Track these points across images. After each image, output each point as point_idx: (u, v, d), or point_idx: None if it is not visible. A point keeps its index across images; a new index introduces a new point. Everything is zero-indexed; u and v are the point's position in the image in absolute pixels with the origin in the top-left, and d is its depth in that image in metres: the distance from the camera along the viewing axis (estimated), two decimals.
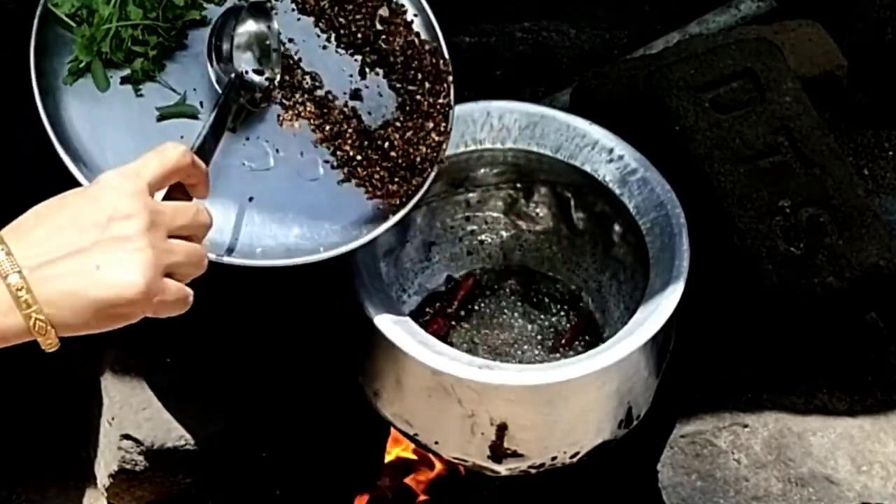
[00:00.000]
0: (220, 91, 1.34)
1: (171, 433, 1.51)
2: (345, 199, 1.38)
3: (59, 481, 1.77)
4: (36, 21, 1.31)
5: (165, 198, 1.08)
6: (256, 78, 1.37)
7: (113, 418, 1.52)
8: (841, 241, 1.51)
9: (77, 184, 1.26)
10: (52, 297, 0.93)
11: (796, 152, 1.57)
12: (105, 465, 1.57)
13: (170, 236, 1.01)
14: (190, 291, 1.02)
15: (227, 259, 1.29)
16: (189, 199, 1.10)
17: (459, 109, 1.49)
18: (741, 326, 1.55)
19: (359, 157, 1.39)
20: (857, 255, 1.50)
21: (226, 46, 1.36)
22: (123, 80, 1.34)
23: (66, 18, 1.31)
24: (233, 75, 1.34)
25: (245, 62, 1.37)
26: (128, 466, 1.52)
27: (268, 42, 1.38)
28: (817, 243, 1.51)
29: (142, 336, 1.57)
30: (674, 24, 2.11)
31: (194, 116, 1.36)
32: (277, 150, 1.37)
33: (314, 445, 1.62)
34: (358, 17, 1.46)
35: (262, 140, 1.37)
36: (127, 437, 1.51)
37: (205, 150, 1.22)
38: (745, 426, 1.48)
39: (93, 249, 0.94)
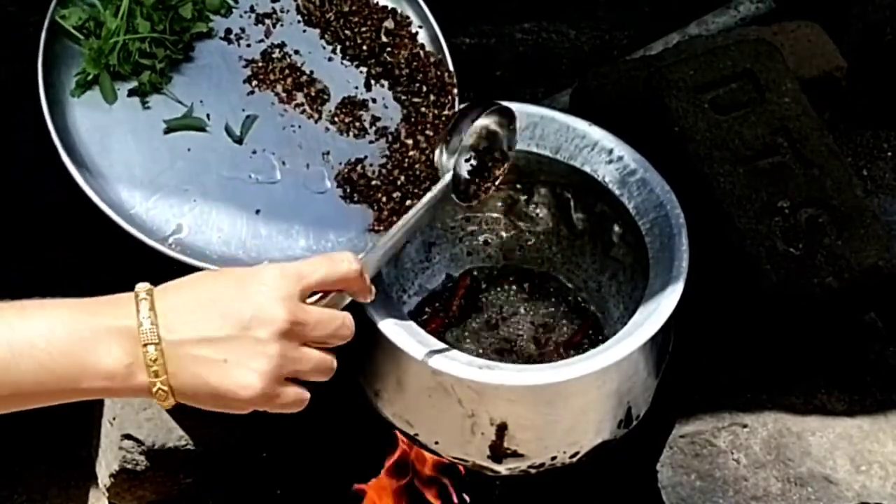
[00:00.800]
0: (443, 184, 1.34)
1: (172, 433, 1.52)
2: (350, 212, 1.38)
3: (60, 481, 1.77)
4: (44, 33, 1.31)
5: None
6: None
7: (114, 418, 1.52)
8: (840, 242, 1.51)
9: (83, 194, 1.28)
10: (179, 373, 0.99)
11: (795, 153, 1.57)
12: (106, 465, 1.57)
13: (305, 343, 1.04)
14: (307, 396, 1.07)
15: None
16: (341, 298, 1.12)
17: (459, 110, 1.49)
18: (740, 326, 1.55)
19: (362, 182, 1.39)
20: (856, 255, 1.50)
21: (455, 140, 1.36)
22: (131, 93, 1.35)
23: (73, 31, 1.32)
24: (449, 176, 1.34)
25: (465, 166, 1.38)
26: (129, 466, 1.52)
27: (496, 150, 1.39)
28: (816, 244, 1.51)
29: None
30: (673, 25, 2.11)
31: (202, 129, 1.36)
32: (284, 163, 1.38)
33: (314, 445, 1.62)
34: (363, 29, 1.46)
35: (269, 152, 1.38)
36: (128, 436, 1.51)
37: (385, 251, 1.24)
38: (745, 426, 1.48)
39: (227, 343, 0.99)
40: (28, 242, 1.68)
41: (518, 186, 1.63)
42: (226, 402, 1.02)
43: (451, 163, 1.36)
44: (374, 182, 1.40)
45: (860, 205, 1.54)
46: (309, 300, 1.07)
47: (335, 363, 1.08)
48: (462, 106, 1.43)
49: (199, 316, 0.99)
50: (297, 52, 1.43)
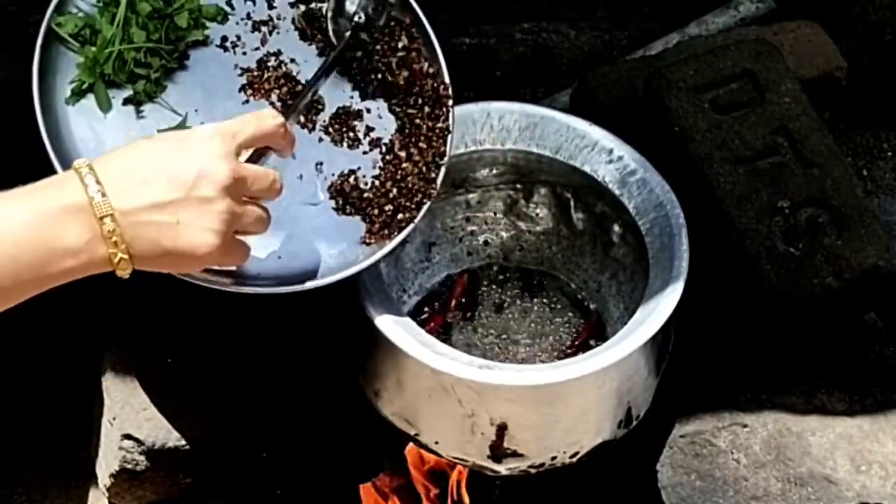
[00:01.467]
0: (334, 42, 1.38)
1: (172, 433, 1.52)
2: (343, 223, 1.38)
3: (60, 481, 1.77)
4: (39, 40, 1.31)
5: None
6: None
7: (114, 418, 1.52)
8: (840, 242, 1.51)
9: None
10: (136, 241, 1.03)
11: (795, 153, 1.57)
12: (106, 465, 1.57)
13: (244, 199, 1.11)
14: (249, 250, 1.16)
15: (233, 289, 1.29)
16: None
17: (459, 111, 1.49)
18: (741, 326, 1.55)
19: (354, 193, 1.39)
20: (856, 255, 1.50)
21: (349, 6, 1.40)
22: (125, 101, 1.34)
23: (69, 38, 1.32)
24: (357, 18, 1.38)
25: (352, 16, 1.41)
26: (129, 466, 1.52)
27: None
28: (816, 244, 1.51)
29: (143, 337, 1.58)
30: (673, 25, 2.11)
31: None
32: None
33: (314, 445, 1.62)
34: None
35: (262, 163, 1.37)
36: (128, 436, 1.51)
37: (297, 110, 1.30)
38: (745, 426, 1.48)
39: (177, 205, 1.04)
40: None
41: (518, 186, 1.63)
42: (182, 262, 1.07)
43: (346, 26, 1.40)
44: (366, 194, 1.39)
45: (860, 205, 1.54)
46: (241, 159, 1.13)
47: (269, 215, 1.16)
48: None
49: (147, 183, 1.03)
50: (292, 60, 1.42)
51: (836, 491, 1.43)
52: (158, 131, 1.34)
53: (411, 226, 1.38)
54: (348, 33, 1.40)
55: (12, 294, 1.00)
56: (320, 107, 1.42)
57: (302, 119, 1.40)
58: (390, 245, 1.37)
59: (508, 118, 1.55)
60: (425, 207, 1.40)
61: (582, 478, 1.57)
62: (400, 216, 1.39)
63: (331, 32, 1.42)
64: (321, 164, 1.40)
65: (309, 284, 1.32)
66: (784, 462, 1.45)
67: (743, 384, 1.53)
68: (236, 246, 1.13)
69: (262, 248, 1.31)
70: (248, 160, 1.17)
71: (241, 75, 1.40)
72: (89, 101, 1.33)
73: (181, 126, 1.35)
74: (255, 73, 1.40)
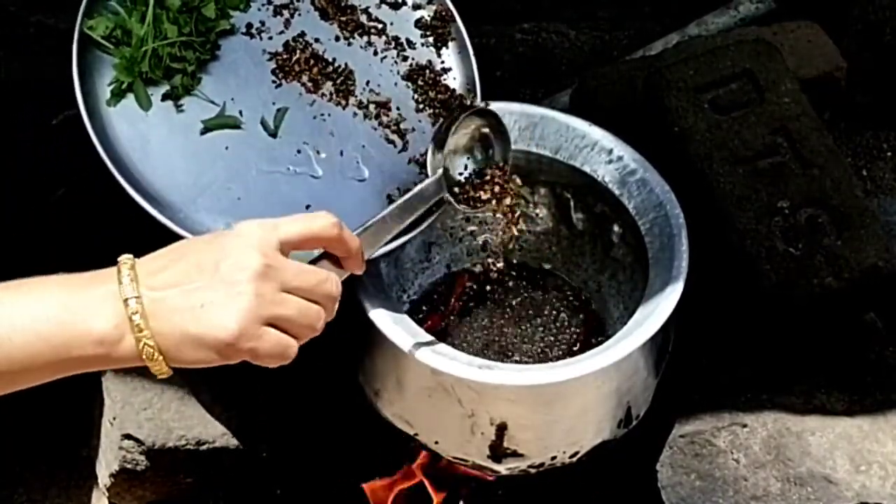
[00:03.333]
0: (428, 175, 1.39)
1: (172, 433, 1.52)
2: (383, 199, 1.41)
3: (60, 481, 1.77)
4: (75, 45, 1.32)
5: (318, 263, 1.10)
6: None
7: (114, 418, 1.52)
8: (839, 242, 1.51)
9: (135, 204, 1.30)
10: (161, 327, 0.99)
11: (795, 153, 1.57)
12: (106, 465, 1.57)
13: (287, 292, 1.03)
14: (292, 344, 1.04)
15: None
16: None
17: None
18: (740, 326, 1.55)
19: None
20: (856, 255, 1.50)
21: (450, 141, 1.40)
22: (164, 97, 1.36)
23: (102, 40, 1.33)
24: (440, 172, 1.38)
25: (459, 166, 1.43)
26: (129, 466, 1.52)
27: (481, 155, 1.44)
28: (816, 244, 1.51)
29: None
30: (673, 26, 2.11)
31: (237, 126, 1.38)
32: (318, 152, 1.39)
33: (314, 445, 1.62)
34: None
35: (303, 143, 1.39)
36: (128, 436, 1.51)
37: (375, 231, 1.25)
38: (744, 426, 1.48)
39: (202, 288, 0.99)
40: (27, 243, 1.68)
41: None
42: (210, 349, 1.00)
43: (441, 161, 1.38)
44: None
45: (860, 205, 1.54)
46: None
47: (323, 314, 1.06)
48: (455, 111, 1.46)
49: (177, 270, 1.01)
50: (317, 40, 1.44)
51: (835, 491, 1.43)
52: (202, 122, 1.36)
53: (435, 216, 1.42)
54: (440, 170, 1.39)
55: (32, 375, 0.99)
56: (351, 83, 1.44)
57: (335, 97, 1.42)
58: (423, 225, 1.40)
59: (508, 118, 1.55)
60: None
61: (582, 478, 1.57)
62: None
63: (428, 162, 1.42)
64: (360, 139, 1.42)
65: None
66: (784, 462, 1.45)
67: (743, 384, 1.53)
68: (272, 338, 1.02)
69: None
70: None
71: (269, 60, 1.42)
72: (129, 100, 1.35)
73: (221, 115, 1.37)
74: (284, 57, 1.42)
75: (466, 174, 1.44)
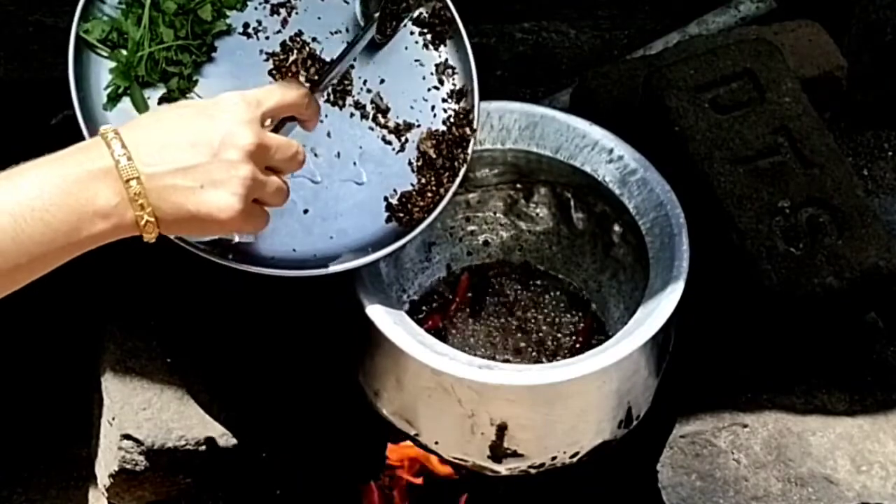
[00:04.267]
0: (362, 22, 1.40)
1: (172, 433, 1.52)
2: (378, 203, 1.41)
3: (59, 481, 1.77)
4: (71, 49, 1.31)
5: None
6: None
7: (113, 418, 1.52)
8: (840, 242, 1.51)
9: None
10: (160, 204, 1.04)
11: (796, 153, 1.57)
12: (105, 465, 1.57)
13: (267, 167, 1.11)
14: (267, 215, 1.14)
15: (298, 273, 1.33)
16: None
17: None
18: (741, 326, 1.55)
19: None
20: (857, 255, 1.50)
21: None
22: (160, 100, 1.35)
23: (97, 44, 1.32)
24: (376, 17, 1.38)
25: None
26: (128, 466, 1.52)
27: None
28: (817, 243, 1.51)
29: (143, 336, 1.57)
30: (673, 25, 2.11)
31: None
32: (315, 154, 1.39)
33: (314, 445, 1.62)
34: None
35: (300, 144, 1.39)
36: (127, 437, 1.51)
37: (325, 84, 1.31)
38: (745, 426, 1.48)
39: (201, 168, 1.05)
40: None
41: (518, 186, 1.63)
42: (206, 226, 1.07)
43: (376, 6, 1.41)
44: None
45: (861, 205, 1.54)
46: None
47: (287, 188, 1.15)
48: None
49: (171, 147, 1.05)
50: (314, 39, 1.43)
51: (836, 491, 1.43)
52: None
53: (444, 202, 1.42)
54: (376, 14, 1.40)
55: (45, 261, 1.01)
56: (347, 83, 1.43)
57: (332, 97, 1.42)
58: (424, 224, 1.41)
59: (508, 118, 1.55)
60: (455, 185, 1.43)
61: (582, 478, 1.57)
62: (429, 196, 1.42)
63: (358, 14, 1.43)
64: (356, 141, 1.42)
65: (360, 261, 1.36)
66: (784, 462, 1.45)
67: (743, 384, 1.53)
68: (257, 213, 1.12)
69: (316, 229, 1.36)
70: (273, 131, 1.18)
71: (266, 60, 1.41)
72: (125, 104, 1.34)
73: None
74: (281, 57, 1.41)
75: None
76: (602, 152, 1.53)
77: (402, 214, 1.41)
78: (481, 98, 1.52)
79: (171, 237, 1.23)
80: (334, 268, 1.35)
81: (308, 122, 1.23)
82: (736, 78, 1.63)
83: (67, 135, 1.66)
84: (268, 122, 1.14)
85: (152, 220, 1.04)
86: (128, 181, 1.02)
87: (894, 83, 2.11)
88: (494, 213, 1.66)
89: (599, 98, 1.80)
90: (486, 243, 1.67)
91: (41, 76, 1.75)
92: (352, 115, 1.43)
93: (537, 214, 1.65)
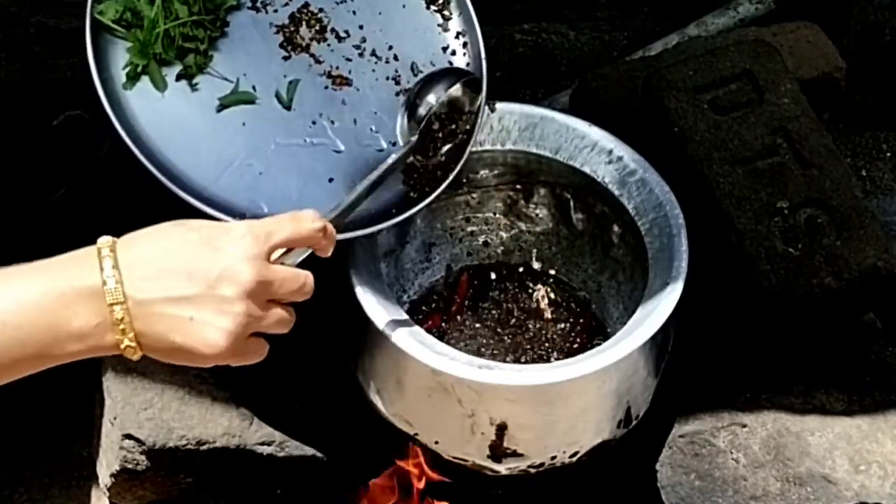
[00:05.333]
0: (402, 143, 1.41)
1: (173, 433, 1.52)
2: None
3: (60, 481, 1.77)
4: (88, 32, 1.31)
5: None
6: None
7: (115, 418, 1.52)
8: (839, 242, 1.51)
9: (160, 186, 1.29)
10: (146, 330, 0.99)
11: (795, 153, 1.57)
12: (107, 465, 1.57)
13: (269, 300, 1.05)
14: (266, 347, 1.08)
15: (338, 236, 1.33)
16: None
17: None
18: (740, 326, 1.56)
19: None
20: (855, 255, 1.50)
21: (421, 110, 1.42)
22: (178, 77, 1.36)
23: (112, 25, 1.33)
24: (413, 139, 1.40)
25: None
26: (129, 466, 1.52)
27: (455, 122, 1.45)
28: (815, 244, 1.51)
29: None
30: (672, 26, 2.11)
31: (252, 101, 1.39)
32: (333, 122, 1.40)
33: (314, 445, 1.62)
34: None
35: (317, 113, 1.40)
36: (128, 436, 1.51)
37: (343, 215, 1.26)
38: (744, 426, 1.49)
39: (193, 301, 1.00)
40: (27, 243, 1.68)
41: (518, 187, 1.63)
42: (190, 358, 1.03)
43: (411, 130, 1.41)
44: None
45: (859, 205, 1.54)
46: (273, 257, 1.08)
47: (294, 317, 1.09)
48: (428, 72, 1.46)
49: (166, 275, 1.00)
50: (321, 10, 1.44)
51: (835, 491, 1.43)
52: (218, 99, 1.37)
53: (452, 175, 1.43)
54: (415, 138, 1.42)
55: (14, 370, 0.98)
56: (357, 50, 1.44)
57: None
58: (434, 194, 1.42)
59: (508, 118, 1.56)
60: (462, 161, 1.44)
61: (582, 478, 1.58)
62: (439, 171, 1.43)
63: (398, 130, 1.44)
64: (373, 106, 1.43)
65: (384, 224, 1.37)
66: (783, 462, 1.45)
67: (742, 384, 1.53)
68: (252, 346, 1.06)
69: (340, 197, 1.34)
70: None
71: (276, 33, 1.42)
72: (144, 83, 1.34)
73: (237, 92, 1.38)
74: (291, 29, 1.42)
75: (436, 126, 1.44)
76: (601, 153, 1.54)
77: (415, 180, 1.42)
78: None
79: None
80: (359, 232, 1.35)
81: (322, 251, 1.14)
82: (735, 79, 1.63)
83: (68, 135, 1.67)
84: (275, 254, 1.08)
85: (134, 344, 0.99)
86: (111, 305, 0.97)
87: (893, 84, 2.11)
88: (494, 214, 1.66)
89: (599, 99, 1.80)
90: (485, 244, 1.67)
91: (43, 77, 1.75)
92: (363, 79, 1.44)
93: (537, 215, 1.65)
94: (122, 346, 0.99)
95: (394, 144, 1.42)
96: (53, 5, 1.86)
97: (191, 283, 1.00)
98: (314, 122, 1.40)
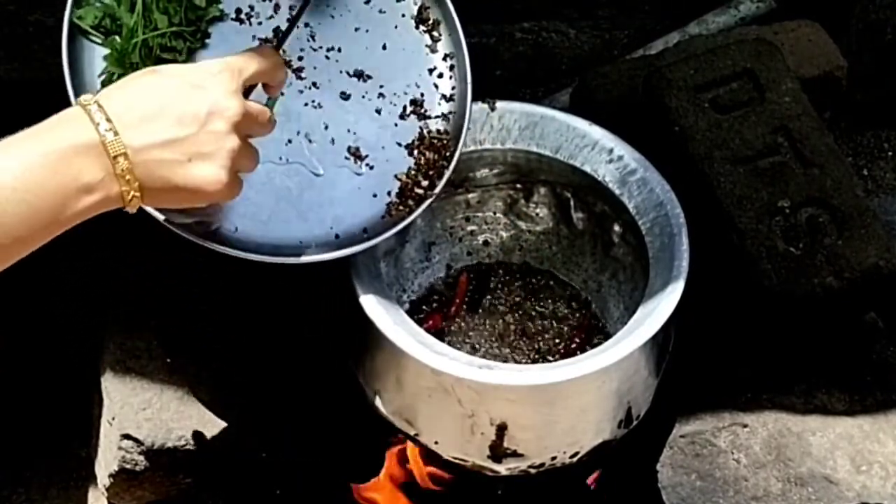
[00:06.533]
0: None
1: (172, 433, 1.52)
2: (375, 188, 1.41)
3: (59, 481, 1.77)
4: (64, 36, 1.31)
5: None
6: None
7: (113, 418, 1.52)
8: (840, 242, 1.51)
9: None
10: (147, 177, 1.02)
11: (796, 153, 1.57)
12: (105, 465, 1.57)
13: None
14: (243, 182, 1.14)
15: (304, 258, 1.33)
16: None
17: None
18: (741, 326, 1.55)
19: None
20: (857, 255, 1.50)
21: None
22: None
23: (91, 31, 1.32)
24: None
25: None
26: (128, 466, 1.52)
27: None
28: (817, 243, 1.51)
29: (143, 336, 1.58)
30: (673, 25, 2.11)
31: None
32: (310, 140, 1.39)
33: (314, 445, 1.62)
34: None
35: (295, 131, 1.38)
36: (127, 436, 1.51)
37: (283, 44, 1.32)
38: (745, 426, 1.48)
39: (188, 141, 1.04)
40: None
41: (518, 186, 1.63)
42: (192, 197, 1.07)
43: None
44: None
45: (860, 204, 1.54)
46: None
47: (258, 152, 1.16)
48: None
49: (157, 119, 1.03)
50: (307, 24, 1.43)
51: (836, 491, 1.43)
52: None
53: (431, 199, 1.41)
54: None
55: (30, 241, 0.99)
56: (337, 67, 1.43)
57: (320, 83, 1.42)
58: (413, 216, 1.40)
59: (508, 118, 1.55)
60: (444, 180, 1.42)
61: (582, 478, 1.57)
62: (419, 189, 1.41)
63: None
64: (350, 127, 1.42)
65: (358, 247, 1.36)
66: (784, 462, 1.45)
67: (743, 384, 1.53)
68: (237, 182, 1.12)
69: (312, 215, 1.35)
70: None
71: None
72: None
73: None
74: (274, 44, 1.41)
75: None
76: (602, 152, 1.53)
77: (397, 201, 1.41)
78: (481, 98, 1.52)
79: (170, 226, 1.24)
80: (330, 255, 1.34)
81: (275, 88, 1.22)
82: (736, 78, 1.63)
83: None
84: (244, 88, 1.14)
85: (137, 193, 1.02)
86: (115, 157, 1.00)
87: (894, 83, 2.11)
88: (494, 213, 1.66)
89: (599, 98, 1.80)
90: (485, 243, 1.67)
91: (41, 76, 1.75)
92: (346, 99, 1.43)
93: (537, 214, 1.65)
94: (129, 198, 1.02)
95: (371, 168, 1.41)
96: (52, 4, 1.86)
97: (183, 124, 1.04)
98: (290, 141, 1.38)
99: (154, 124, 1.02)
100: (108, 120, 1.00)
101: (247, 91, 1.17)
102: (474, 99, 1.47)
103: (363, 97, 1.43)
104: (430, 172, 1.42)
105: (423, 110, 1.45)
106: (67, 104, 1.30)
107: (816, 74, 1.87)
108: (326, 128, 1.40)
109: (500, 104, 1.55)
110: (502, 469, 1.43)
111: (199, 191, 1.06)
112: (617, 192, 1.52)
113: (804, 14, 1.98)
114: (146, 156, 1.01)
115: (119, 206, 1.03)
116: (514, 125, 1.55)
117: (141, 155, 1.01)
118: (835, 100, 1.93)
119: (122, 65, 1.32)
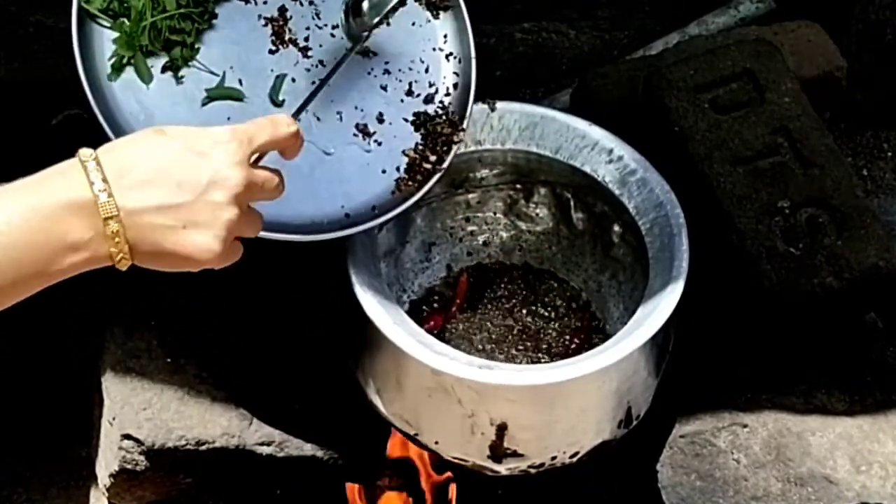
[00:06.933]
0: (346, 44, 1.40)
1: (172, 433, 1.52)
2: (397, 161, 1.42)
3: (60, 481, 1.77)
4: (74, 20, 1.31)
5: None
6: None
7: (114, 418, 1.52)
8: (840, 242, 1.51)
9: None
10: (138, 240, 1.00)
11: (795, 153, 1.57)
12: (106, 465, 1.57)
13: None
14: (242, 248, 1.11)
15: (315, 237, 1.33)
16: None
17: None
18: (741, 326, 1.55)
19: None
20: (856, 255, 1.50)
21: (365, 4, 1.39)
22: (163, 69, 1.35)
23: (99, 14, 1.32)
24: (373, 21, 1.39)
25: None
26: (128, 466, 1.52)
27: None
28: (816, 244, 1.51)
29: (143, 336, 1.58)
30: (673, 25, 2.11)
31: (240, 99, 1.37)
32: (318, 118, 1.39)
33: (314, 445, 1.62)
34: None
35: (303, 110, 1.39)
36: (128, 436, 1.51)
37: (307, 109, 1.32)
38: (745, 426, 1.48)
39: (184, 209, 1.01)
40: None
41: (518, 186, 1.63)
42: (182, 264, 1.05)
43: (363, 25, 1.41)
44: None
45: (860, 205, 1.54)
46: None
47: (262, 218, 1.14)
48: None
49: (154, 184, 1.01)
50: (311, 2, 1.43)
51: (836, 491, 1.43)
52: (206, 90, 1.36)
53: (440, 173, 1.42)
54: (365, 33, 1.41)
55: (13, 292, 0.98)
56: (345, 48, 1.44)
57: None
58: (422, 191, 1.41)
59: (508, 118, 1.55)
60: (451, 154, 1.42)
61: (582, 478, 1.57)
62: (427, 164, 1.42)
63: (343, 30, 1.43)
64: (358, 103, 1.42)
65: (368, 224, 1.37)
66: (784, 462, 1.45)
67: (743, 384, 1.53)
68: (234, 249, 1.10)
69: (326, 196, 1.35)
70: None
71: (265, 26, 1.41)
72: (129, 74, 1.33)
73: (222, 86, 1.36)
74: (279, 23, 1.41)
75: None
76: (602, 152, 1.54)
77: (406, 177, 1.42)
78: (481, 99, 1.52)
79: None
80: (341, 233, 1.35)
81: (292, 155, 1.18)
82: (736, 78, 1.63)
83: (68, 135, 1.67)
84: (254, 157, 1.11)
85: (127, 255, 1.00)
86: (106, 219, 0.97)
87: (894, 83, 2.11)
88: (494, 214, 1.66)
89: (599, 98, 1.80)
90: (485, 243, 1.67)
91: (42, 77, 1.75)
92: (351, 75, 1.43)
93: (537, 214, 1.65)
94: (117, 259, 1.00)
95: (380, 144, 1.42)
96: (52, 4, 1.86)
97: (181, 190, 1.01)
98: (298, 120, 1.39)
99: (151, 188, 1.00)
100: (105, 180, 0.98)
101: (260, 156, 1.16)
102: (474, 100, 1.48)
103: (369, 74, 1.44)
104: (438, 147, 1.43)
105: (428, 86, 1.46)
106: (70, 104, 1.31)
107: (816, 75, 1.87)
108: (333, 105, 1.40)
109: (500, 104, 1.55)
110: (502, 469, 1.43)
111: (191, 258, 1.03)
112: (617, 192, 1.52)
113: (804, 14, 1.98)
114: (139, 219, 0.99)
115: (108, 264, 1.01)
116: (514, 125, 1.55)
117: (134, 217, 0.99)
118: (834, 100, 1.93)
119: (131, 47, 1.32)
